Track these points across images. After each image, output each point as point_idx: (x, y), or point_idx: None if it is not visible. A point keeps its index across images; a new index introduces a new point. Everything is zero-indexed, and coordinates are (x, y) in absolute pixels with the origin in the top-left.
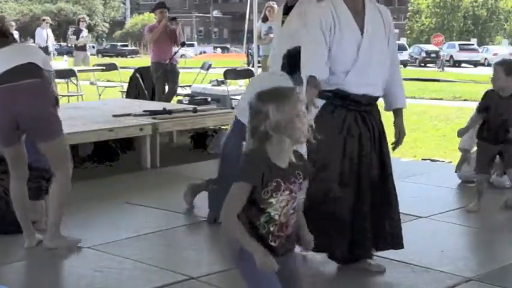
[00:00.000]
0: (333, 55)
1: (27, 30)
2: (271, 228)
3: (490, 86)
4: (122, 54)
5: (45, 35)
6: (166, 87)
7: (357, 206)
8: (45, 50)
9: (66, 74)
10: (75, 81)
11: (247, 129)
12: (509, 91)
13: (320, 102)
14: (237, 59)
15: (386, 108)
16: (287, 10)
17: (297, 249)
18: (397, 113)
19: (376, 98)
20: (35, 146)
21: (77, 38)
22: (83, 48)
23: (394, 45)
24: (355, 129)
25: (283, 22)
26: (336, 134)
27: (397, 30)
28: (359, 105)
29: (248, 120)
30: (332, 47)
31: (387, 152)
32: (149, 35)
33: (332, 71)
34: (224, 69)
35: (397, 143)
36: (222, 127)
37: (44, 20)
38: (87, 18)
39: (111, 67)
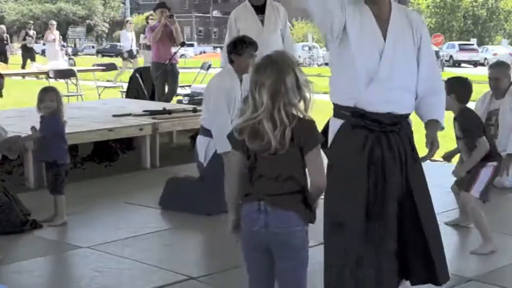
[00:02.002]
0: (353, 51)
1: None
2: None
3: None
4: (122, 54)
5: (130, 37)
6: (166, 87)
7: (382, 243)
8: (130, 53)
9: (66, 74)
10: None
11: None
12: (455, 112)
13: (337, 123)
14: None
15: (422, 120)
16: (258, 10)
17: None
18: (431, 125)
19: (405, 116)
20: (58, 141)
21: (146, 37)
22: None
23: (428, 53)
24: (378, 152)
25: (262, 22)
26: (356, 159)
27: None
28: (381, 125)
29: None
30: (352, 41)
31: (423, 178)
32: (151, 35)
33: (350, 74)
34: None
35: (427, 156)
36: None
37: (127, 21)
38: (133, 21)
39: (111, 67)
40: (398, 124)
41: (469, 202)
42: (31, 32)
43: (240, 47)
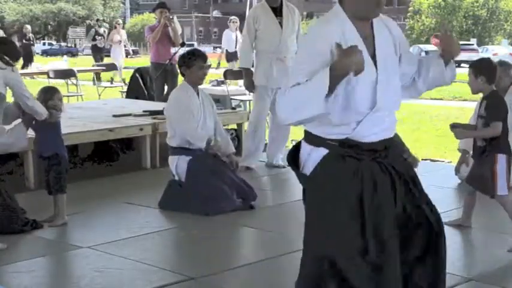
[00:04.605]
0: (342, 102)
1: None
2: None
3: None
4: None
5: (234, 37)
6: (166, 88)
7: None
8: (234, 55)
9: (66, 74)
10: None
11: None
12: (485, 93)
13: (319, 152)
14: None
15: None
16: (276, 12)
17: None
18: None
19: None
20: (54, 136)
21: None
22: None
23: (410, 55)
24: (369, 180)
25: (280, 24)
26: (347, 193)
27: None
28: (373, 153)
29: None
30: (339, 91)
31: (423, 196)
32: (150, 35)
33: (339, 121)
34: (224, 69)
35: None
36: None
37: (230, 20)
38: (237, 20)
39: (111, 67)
40: (389, 147)
41: (506, 202)
42: (101, 30)
43: (188, 60)
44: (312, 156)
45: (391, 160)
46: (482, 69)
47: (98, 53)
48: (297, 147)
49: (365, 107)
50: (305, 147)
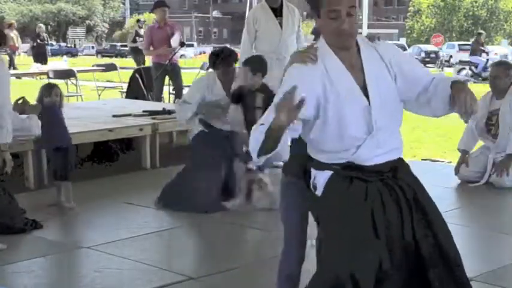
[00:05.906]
0: (334, 130)
1: (27, 31)
2: None
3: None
4: (122, 55)
5: None
6: (165, 88)
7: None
8: None
9: (66, 74)
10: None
11: None
12: None
13: (325, 174)
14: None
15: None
16: (276, 12)
17: None
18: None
19: (399, 158)
20: (63, 128)
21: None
22: None
23: (414, 64)
24: (378, 203)
25: (280, 24)
26: (359, 216)
27: (396, 30)
28: (380, 174)
29: None
30: (330, 120)
31: (433, 213)
32: (150, 51)
33: (336, 148)
34: None
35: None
36: None
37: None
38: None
39: (111, 67)
40: (396, 168)
41: None
42: (141, 31)
43: (214, 62)
44: (318, 178)
45: (400, 181)
46: None
47: (139, 54)
48: (304, 167)
49: (361, 132)
50: (312, 170)
